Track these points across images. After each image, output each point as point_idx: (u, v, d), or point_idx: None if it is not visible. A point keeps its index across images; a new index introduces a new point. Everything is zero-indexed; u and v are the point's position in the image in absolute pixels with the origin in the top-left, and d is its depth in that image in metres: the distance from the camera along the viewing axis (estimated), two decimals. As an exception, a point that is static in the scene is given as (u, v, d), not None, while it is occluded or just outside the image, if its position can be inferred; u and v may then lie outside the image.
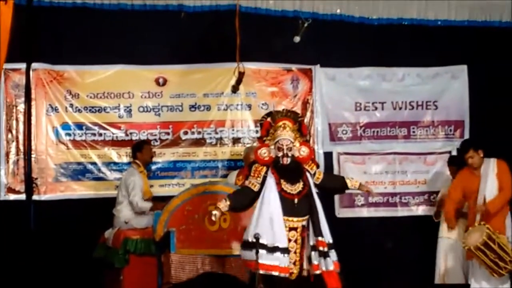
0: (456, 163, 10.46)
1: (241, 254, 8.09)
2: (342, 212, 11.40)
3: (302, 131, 8.25)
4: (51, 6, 10.62)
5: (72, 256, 10.02)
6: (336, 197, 11.30)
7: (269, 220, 7.98)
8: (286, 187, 8.05)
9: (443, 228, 10.22)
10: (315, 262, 7.98)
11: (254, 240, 7.89)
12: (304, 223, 8.09)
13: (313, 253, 8.01)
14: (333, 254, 8.09)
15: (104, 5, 10.85)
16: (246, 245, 7.99)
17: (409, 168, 11.54)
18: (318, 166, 8.43)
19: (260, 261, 7.86)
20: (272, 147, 8.06)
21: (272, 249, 7.94)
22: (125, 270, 9.76)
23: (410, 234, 11.10)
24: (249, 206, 8.27)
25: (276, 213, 7.99)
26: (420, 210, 11.11)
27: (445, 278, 10.01)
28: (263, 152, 8.09)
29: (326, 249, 8.03)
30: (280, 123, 8.12)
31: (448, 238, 10.14)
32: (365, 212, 11.48)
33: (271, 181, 8.07)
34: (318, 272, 7.99)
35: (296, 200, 8.03)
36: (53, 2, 10.67)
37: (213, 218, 7.98)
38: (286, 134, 8.07)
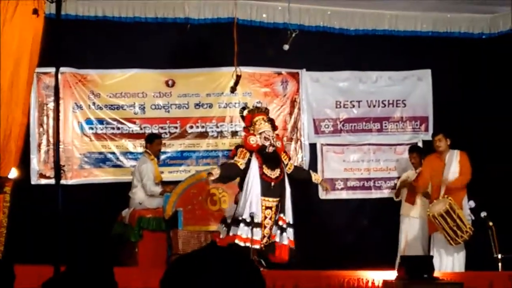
0: (416, 150, 10.61)
1: (231, 229, 8.17)
2: (325, 195, 11.40)
3: (274, 126, 8.44)
4: (76, 19, 10.60)
5: (94, 232, 10.03)
6: (320, 182, 11.32)
7: (248, 198, 8.10)
8: (267, 171, 8.18)
9: (404, 207, 10.31)
10: (273, 232, 8.16)
11: (250, 219, 7.97)
12: (278, 203, 8.23)
13: (275, 226, 8.18)
14: (290, 232, 8.23)
15: (121, 18, 10.82)
16: (239, 222, 8.07)
17: (382, 157, 11.55)
18: (290, 159, 8.62)
19: (248, 235, 7.99)
20: (258, 136, 8.18)
21: (244, 223, 8.07)
22: (140, 244, 9.78)
23: (382, 213, 11.10)
24: (232, 179, 8.38)
25: (255, 193, 8.11)
26: (391, 193, 11.09)
27: (405, 251, 10.06)
28: (252, 140, 8.25)
29: (284, 225, 8.18)
30: (260, 117, 8.30)
31: (408, 216, 10.22)
32: (344, 195, 11.49)
33: (254, 165, 8.18)
34: (274, 240, 8.16)
35: (273, 184, 8.17)
36: (78, 16, 10.65)
37: (211, 178, 8.10)
38: (268, 127, 8.24)
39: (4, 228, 8.60)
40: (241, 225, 8.06)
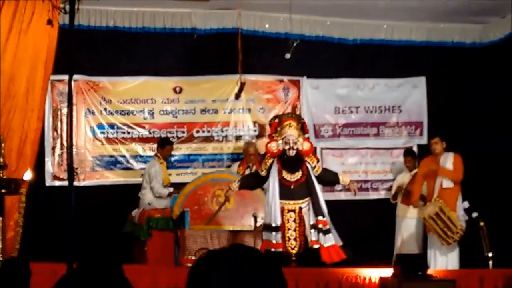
0: (411, 155, 10.63)
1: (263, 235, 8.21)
2: (324, 196, 11.36)
3: (305, 130, 8.38)
4: (89, 29, 10.64)
5: (106, 231, 10.05)
6: (319, 184, 11.34)
7: (270, 203, 8.08)
8: (286, 175, 8.13)
9: (400, 207, 10.31)
10: (313, 238, 8.06)
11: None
12: (303, 205, 8.15)
13: (312, 230, 8.07)
14: (334, 233, 8.16)
15: (131, 28, 10.86)
16: (266, 228, 8.11)
17: (378, 160, 11.55)
18: (318, 161, 8.54)
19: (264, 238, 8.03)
20: (280, 142, 8.15)
21: (270, 228, 8.04)
22: (149, 242, 9.80)
23: (379, 214, 11.10)
24: (256, 187, 8.36)
25: (276, 198, 8.08)
26: (388, 194, 11.09)
27: (401, 249, 10.06)
28: (273, 146, 8.23)
29: (327, 227, 8.09)
30: (286, 123, 8.26)
31: (403, 217, 10.22)
32: (342, 196, 11.48)
33: (274, 170, 8.16)
34: (316, 246, 8.04)
35: (292, 186, 8.11)
36: (91, 26, 10.70)
37: (229, 193, 8.20)
38: (291, 131, 8.16)
39: (20, 227, 8.63)
40: (268, 231, 8.08)
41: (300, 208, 8.16)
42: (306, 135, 8.51)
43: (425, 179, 9.84)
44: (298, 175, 8.20)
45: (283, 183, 8.14)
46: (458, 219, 9.42)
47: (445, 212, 9.20)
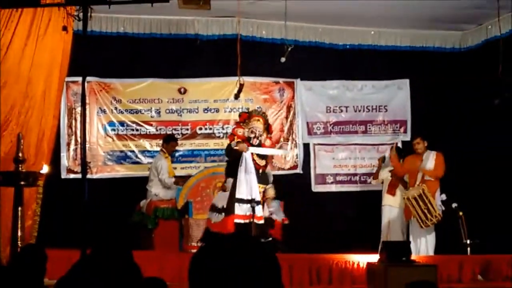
0: (397, 151, 10.58)
1: (236, 209, 8.11)
2: (316, 188, 11.43)
3: (269, 129, 8.53)
4: (100, 35, 10.64)
5: (116, 220, 10.04)
6: (312, 176, 11.37)
7: (247, 179, 8.11)
8: (256, 158, 8.25)
9: (385, 197, 10.28)
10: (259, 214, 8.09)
11: (250, 198, 7.98)
12: (262, 190, 8.29)
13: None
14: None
15: (140, 34, 10.86)
16: (243, 202, 8.07)
17: (366, 155, 11.55)
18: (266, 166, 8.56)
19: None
20: (247, 130, 8.28)
21: (249, 202, 8.05)
22: (155, 230, 9.81)
23: (367, 204, 11.10)
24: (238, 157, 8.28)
25: (252, 174, 8.14)
26: (374, 186, 11.08)
27: (388, 236, 10.06)
28: (239, 131, 8.41)
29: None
30: (256, 118, 8.41)
31: (389, 206, 10.20)
32: (333, 188, 11.51)
33: (247, 153, 8.24)
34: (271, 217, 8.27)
35: (260, 171, 8.23)
36: (102, 32, 10.69)
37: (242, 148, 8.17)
38: (259, 125, 8.32)
39: (38, 216, 8.64)
40: (241, 204, 8.06)
41: (263, 192, 8.36)
42: (269, 135, 8.65)
43: (409, 170, 9.86)
44: (264, 162, 8.33)
45: (255, 165, 8.22)
46: (437, 209, 9.44)
47: (427, 195, 9.25)
